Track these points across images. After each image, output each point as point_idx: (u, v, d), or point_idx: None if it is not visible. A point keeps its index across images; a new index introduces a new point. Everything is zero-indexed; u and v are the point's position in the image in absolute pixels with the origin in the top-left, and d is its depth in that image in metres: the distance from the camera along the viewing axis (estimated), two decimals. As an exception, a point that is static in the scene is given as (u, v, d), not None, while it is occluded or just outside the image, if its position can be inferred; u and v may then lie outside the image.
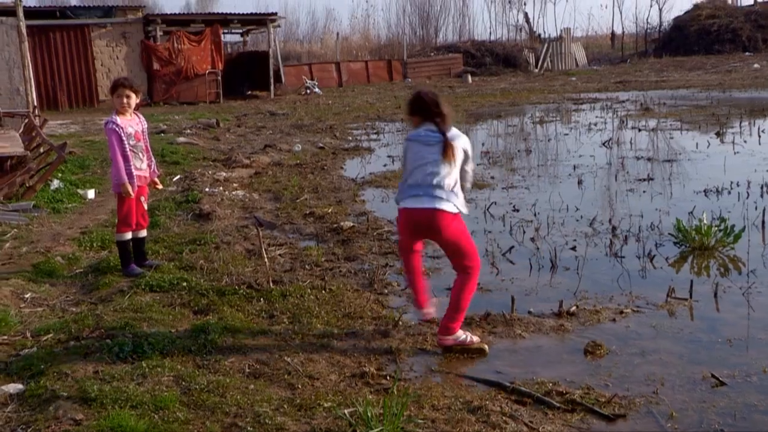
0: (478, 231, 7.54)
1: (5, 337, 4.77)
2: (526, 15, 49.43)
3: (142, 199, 6.33)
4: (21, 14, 15.49)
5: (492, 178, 10.70)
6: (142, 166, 6.19)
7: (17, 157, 9.86)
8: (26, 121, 13.17)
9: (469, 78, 35.24)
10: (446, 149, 4.45)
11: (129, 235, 6.21)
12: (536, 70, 40.17)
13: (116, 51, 25.96)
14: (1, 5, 20.44)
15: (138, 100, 6.15)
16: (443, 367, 4.41)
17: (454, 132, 4.57)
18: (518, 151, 13.48)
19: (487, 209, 8.53)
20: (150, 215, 8.48)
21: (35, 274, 6.21)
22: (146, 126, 6.32)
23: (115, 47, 25.93)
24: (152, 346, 4.44)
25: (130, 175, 6.00)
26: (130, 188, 5.99)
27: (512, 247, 6.95)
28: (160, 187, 6.73)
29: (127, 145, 5.98)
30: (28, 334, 4.82)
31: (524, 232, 7.51)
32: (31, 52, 16.32)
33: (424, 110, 4.64)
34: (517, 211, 8.51)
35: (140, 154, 6.16)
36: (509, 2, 49.94)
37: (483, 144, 14.26)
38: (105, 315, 5.06)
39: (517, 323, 5.05)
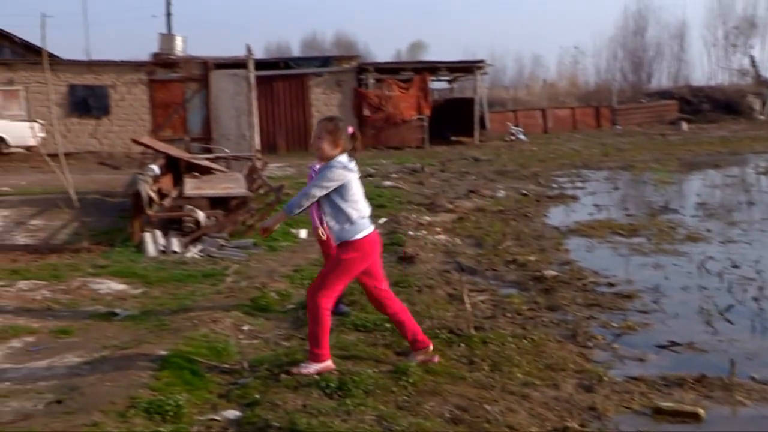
0: (692, 287, 7.11)
1: (227, 366, 5.15)
2: (752, 58, 46.46)
3: None
4: (251, 67, 16.89)
5: (708, 231, 10.08)
6: None
7: (240, 197, 10.67)
8: (250, 163, 14.24)
9: (684, 125, 33.56)
10: None
11: None
12: (762, 117, 37.52)
13: (331, 98, 27.46)
14: (236, 59, 22.37)
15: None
16: (651, 429, 4.17)
17: None
18: (739, 202, 12.60)
19: (703, 264, 8.04)
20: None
21: (252, 307, 6.65)
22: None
23: (330, 94, 27.44)
24: (356, 384, 4.58)
25: None
26: None
27: (731, 305, 6.48)
28: None
29: None
30: (246, 365, 5.15)
31: (745, 291, 6.98)
32: (257, 100, 17.70)
33: (348, 140, 4.89)
34: (737, 267, 7.94)
35: None
36: (733, 45, 47.22)
37: (698, 195, 13.49)
38: (313, 350, 5.31)
39: (738, 389, 4.68)
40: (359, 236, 4.86)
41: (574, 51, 72.15)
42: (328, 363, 4.91)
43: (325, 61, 28.82)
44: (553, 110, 35.69)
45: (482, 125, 29.88)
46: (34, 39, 27.03)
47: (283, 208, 5.00)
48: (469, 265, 8.29)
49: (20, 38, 27.70)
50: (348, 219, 4.85)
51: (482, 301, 6.81)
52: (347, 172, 4.85)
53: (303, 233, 10.33)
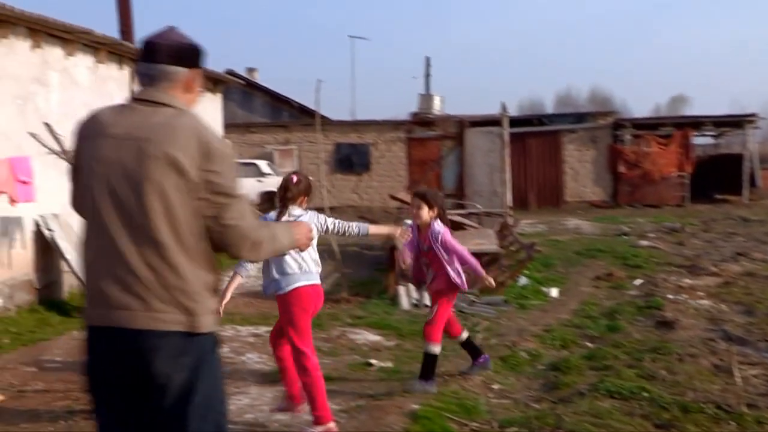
0: None
1: (476, 424, 5.10)
2: None
3: None
4: (506, 124, 17.07)
5: None
6: None
7: (492, 253, 10.69)
8: (501, 220, 14.28)
9: None
10: None
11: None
12: None
13: (584, 154, 26.89)
14: (490, 117, 22.75)
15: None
16: None
17: None
18: None
19: None
20: (610, 318, 8.46)
21: (502, 366, 6.56)
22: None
23: (583, 151, 26.88)
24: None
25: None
26: None
27: None
28: None
29: None
30: (495, 425, 5.07)
31: None
32: (509, 157, 17.81)
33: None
34: None
35: None
36: None
37: None
38: (565, 416, 5.09)
39: None
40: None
41: None
42: (331, 426, 4.80)
43: (579, 117, 28.37)
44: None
45: (752, 183, 27.56)
46: (308, 102, 29.36)
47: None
48: (738, 335, 7.56)
49: (297, 102, 30.25)
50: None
51: (755, 376, 6.16)
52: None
53: (554, 292, 10.09)
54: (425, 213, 5.85)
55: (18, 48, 9.15)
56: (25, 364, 6.97)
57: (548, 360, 6.82)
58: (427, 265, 6.05)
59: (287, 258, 4.91)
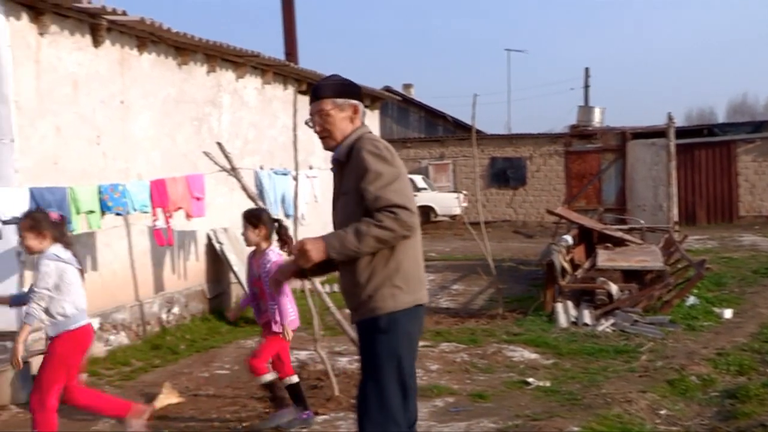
0: None
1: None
2: None
3: None
4: (672, 135, 16.38)
5: None
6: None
7: (656, 271, 10.27)
8: (666, 236, 13.68)
9: None
10: None
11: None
12: None
13: (762, 166, 25.20)
14: (654, 128, 21.91)
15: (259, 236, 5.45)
16: None
17: None
18: None
19: None
20: None
21: (669, 390, 6.28)
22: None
23: (761, 162, 25.21)
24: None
25: None
26: None
27: None
28: None
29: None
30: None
31: None
32: (675, 169, 17.05)
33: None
34: None
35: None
36: None
37: None
38: (742, 447, 4.82)
39: None
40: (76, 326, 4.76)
41: None
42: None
43: (757, 126, 26.65)
44: None
45: None
46: (462, 116, 29.42)
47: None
48: None
49: (452, 117, 30.38)
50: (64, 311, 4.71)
51: None
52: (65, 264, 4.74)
53: (728, 313, 9.54)
54: (251, 235, 5.41)
55: (196, 73, 9.84)
56: (199, 369, 7.45)
57: (723, 386, 6.45)
58: (256, 294, 5.60)
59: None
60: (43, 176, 7.07)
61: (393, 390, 3.32)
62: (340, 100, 3.44)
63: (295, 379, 5.63)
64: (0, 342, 6.82)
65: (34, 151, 7.10)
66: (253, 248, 5.53)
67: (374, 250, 3.25)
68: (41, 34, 7.15)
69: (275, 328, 5.37)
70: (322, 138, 3.48)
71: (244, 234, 5.49)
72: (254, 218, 5.45)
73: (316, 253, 3.17)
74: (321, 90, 3.46)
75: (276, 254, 5.41)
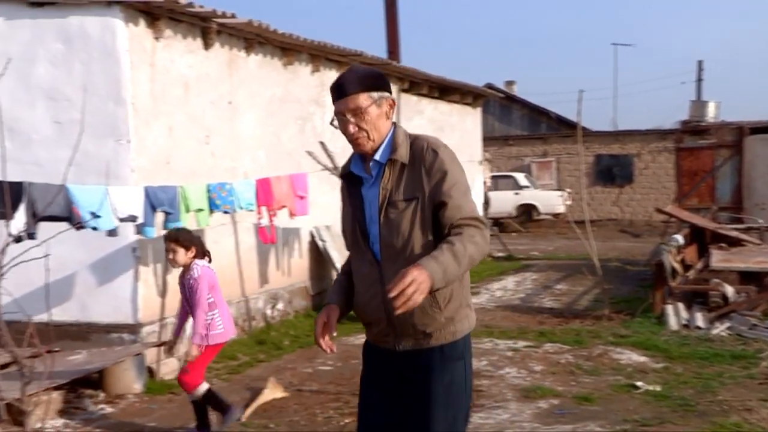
0: None
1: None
2: None
3: None
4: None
5: None
6: None
7: (775, 273, 9.81)
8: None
9: None
10: None
11: None
12: None
13: None
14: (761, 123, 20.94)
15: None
16: None
17: None
18: None
19: None
20: None
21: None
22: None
23: None
24: None
25: None
26: None
27: None
28: None
29: None
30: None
31: None
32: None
33: None
34: None
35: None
36: None
37: None
38: None
39: None
40: None
41: None
42: None
43: None
44: None
45: None
46: (566, 113, 28.93)
47: None
48: None
49: (555, 113, 29.87)
50: None
51: None
52: None
53: None
54: (182, 256, 5.26)
55: (300, 73, 10.08)
56: (302, 365, 7.64)
57: None
58: (188, 311, 5.49)
59: None
60: (156, 175, 7.39)
61: (466, 419, 2.92)
62: (376, 94, 2.79)
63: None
64: (116, 334, 7.22)
65: (149, 151, 7.44)
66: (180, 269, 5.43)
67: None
68: (156, 38, 7.48)
69: (194, 339, 5.25)
70: (354, 139, 2.81)
71: (171, 258, 5.30)
72: (182, 239, 5.31)
73: (428, 287, 2.48)
74: (352, 84, 2.79)
75: (199, 269, 5.28)
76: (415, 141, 2.84)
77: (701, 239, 12.26)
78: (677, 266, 10.24)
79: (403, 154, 2.79)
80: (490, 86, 23.30)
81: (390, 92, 2.87)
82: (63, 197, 6.02)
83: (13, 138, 6.72)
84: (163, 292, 7.35)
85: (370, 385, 2.97)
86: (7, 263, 4.08)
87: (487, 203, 19.34)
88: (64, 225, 5.77)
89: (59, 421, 5.94)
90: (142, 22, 7.32)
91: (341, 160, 8.15)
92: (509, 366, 7.31)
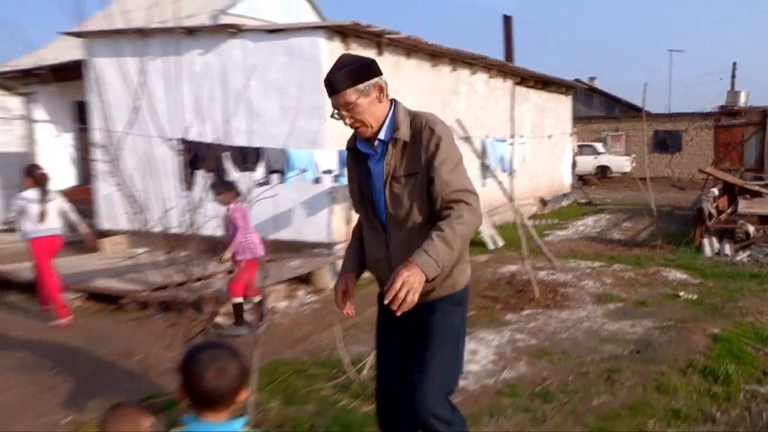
0: None
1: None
2: None
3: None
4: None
5: None
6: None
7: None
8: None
9: None
10: None
11: None
12: None
13: None
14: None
15: None
16: None
17: None
18: None
19: None
20: None
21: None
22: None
23: None
24: None
25: None
26: None
27: None
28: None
29: None
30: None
31: None
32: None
33: None
34: None
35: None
36: None
37: None
38: None
39: None
40: None
41: None
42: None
43: None
44: None
45: None
46: (633, 100, 26.97)
47: None
48: None
49: (626, 100, 27.97)
50: None
51: None
52: None
53: None
54: (224, 199, 4.89)
55: (443, 71, 9.73)
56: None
57: None
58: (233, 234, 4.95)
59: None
60: (342, 142, 7.37)
61: (461, 357, 2.29)
62: (361, 86, 2.13)
63: (258, 299, 5.10)
64: (317, 249, 7.35)
65: (339, 126, 7.42)
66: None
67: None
68: (346, 50, 7.41)
69: (239, 257, 4.92)
70: (355, 128, 2.20)
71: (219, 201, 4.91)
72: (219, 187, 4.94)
73: (420, 283, 1.91)
74: (338, 82, 2.12)
75: (233, 206, 4.90)
76: (414, 118, 2.20)
77: (731, 192, 11.21)
78: (713, 211, 9.36)
79: (404, 132, 2.16)
80: (577, 80, 21.84)
81: (378, 75, 2.18)
82: (285, 157, 6.15)
83: (255, 119, 6.94)
84: (347, 221, 7.42)
85: (384, 323, 2.38)
86: (253, 200, 4.24)
87: (574, 164, 18.36)
88: (286, 176, 5.88)
89: (283, 303, 6.18)
90: (337, 39, 7.27)
91: (471, 132, 7.79)
92: (587, 279, 6.85)
